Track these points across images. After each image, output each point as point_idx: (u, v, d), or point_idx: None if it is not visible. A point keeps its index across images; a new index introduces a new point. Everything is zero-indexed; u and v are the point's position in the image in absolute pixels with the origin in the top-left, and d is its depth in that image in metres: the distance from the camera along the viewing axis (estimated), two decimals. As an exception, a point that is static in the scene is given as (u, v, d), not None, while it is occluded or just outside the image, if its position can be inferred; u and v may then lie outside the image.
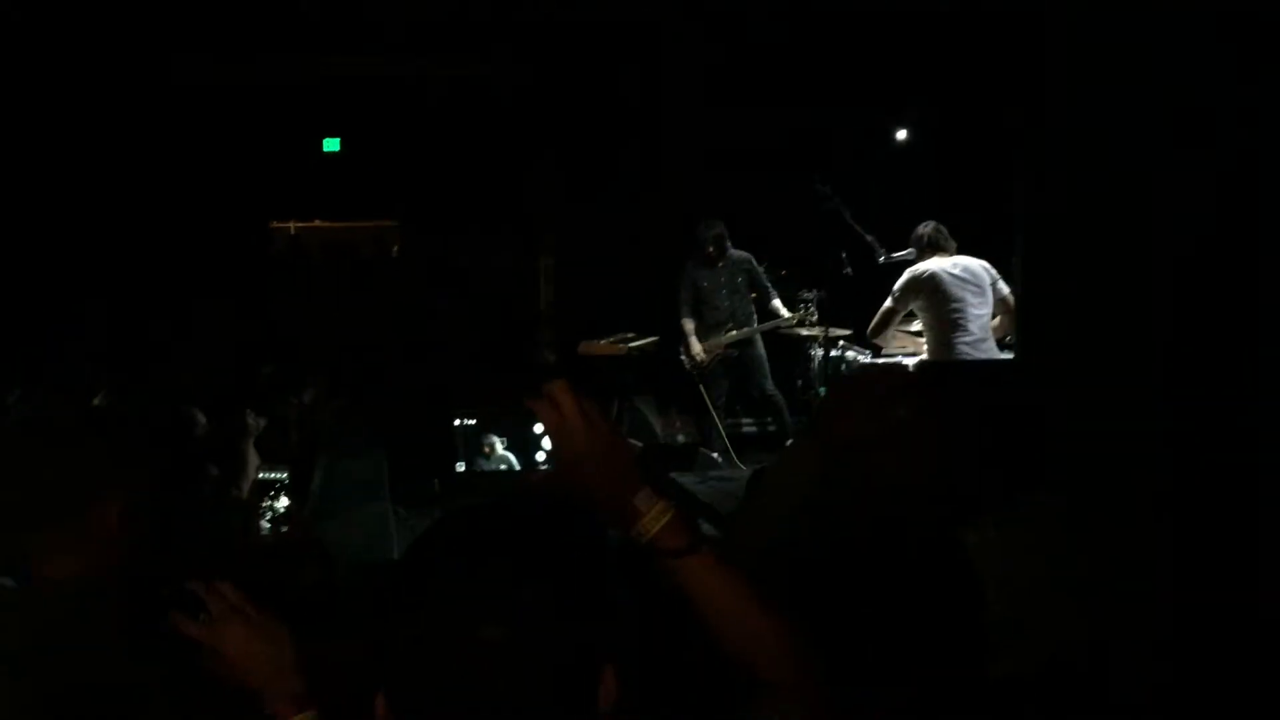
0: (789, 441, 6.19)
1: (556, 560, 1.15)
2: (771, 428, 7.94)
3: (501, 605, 1.07)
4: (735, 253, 7.63)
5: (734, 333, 7.59)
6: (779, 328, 7.52)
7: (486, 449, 3.29)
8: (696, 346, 7.58)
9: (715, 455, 7.50)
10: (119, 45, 9.74)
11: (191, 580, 1.40)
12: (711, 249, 7.52)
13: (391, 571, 1.09)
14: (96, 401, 6.40)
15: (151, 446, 1.67)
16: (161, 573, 1.58)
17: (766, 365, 7.71)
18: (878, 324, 6.04)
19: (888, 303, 5.94)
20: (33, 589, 1.60)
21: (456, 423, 3.13)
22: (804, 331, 7.25)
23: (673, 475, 6.83)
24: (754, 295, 7.68)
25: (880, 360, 6.25)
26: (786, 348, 7.80)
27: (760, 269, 7.69)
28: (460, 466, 3.16)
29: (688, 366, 7.70)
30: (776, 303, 7.59)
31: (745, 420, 8.16)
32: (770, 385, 7.73)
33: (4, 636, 1.51)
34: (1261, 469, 3.07)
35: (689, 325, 7.63)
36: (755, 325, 7.59)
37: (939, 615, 1.76)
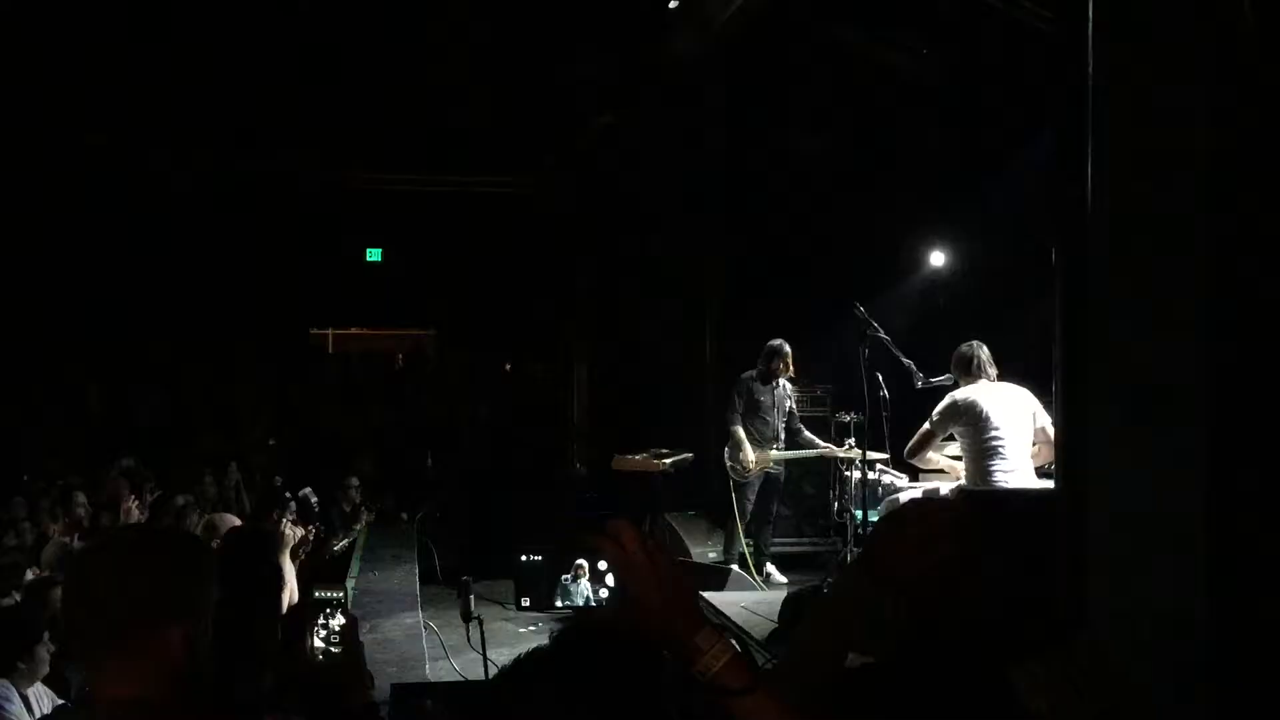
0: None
1: (620, 698, 1.17)
2: (811, 547, 7.97)
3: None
4: (782, 379, 7.76)
5: (783, 451, 7.66)
6: (823, 455, 7.58)
7: (566, 582, 3.31)
8: (751, 455, 7.57)
9: (749, 576, 7.45)
10: (174, 155, 10.07)
11: (270, 711, 1.40)
12: (777, 367, 7.64)
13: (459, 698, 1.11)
14: (134, 507, 6.46)
15: (224, 568, 1.67)
16: (224, 694, 1.58)
17: (780, 489, 7.85)
18: (915, 445, 5.99)
19: (926, 425, 5.89)
20: (94, 709, 1.60)
21: (524, 558, 3.15)
22: (840, 454, 7.25)
23: (704, 595, 6.78)
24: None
25: (927, 492, 6.16)
26: (823, 470, 7.80)
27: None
28: (525, 602, 3.17)
29: (733, 474, 7.67)
30: (809, 434, 7.72)
31: (798, 539, 8.15)
32: (776, 509, 7.86)
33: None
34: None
35: (741, 433, 7.63)
36: (809, 450, 7.68)
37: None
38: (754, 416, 7.68)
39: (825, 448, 7.57)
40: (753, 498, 7.70)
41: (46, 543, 6.65)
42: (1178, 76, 3.44)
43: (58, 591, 4.63)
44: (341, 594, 2.85)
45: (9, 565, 5.89)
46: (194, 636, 1.61)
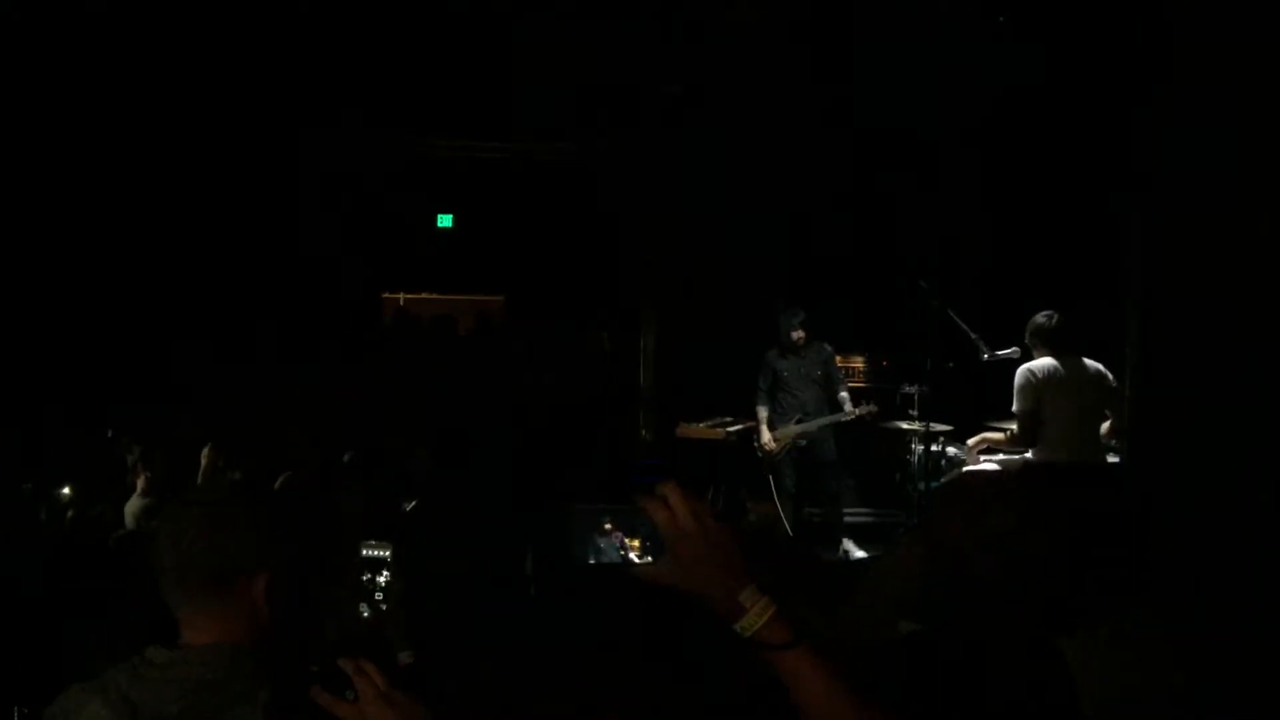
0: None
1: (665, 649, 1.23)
2: (816, 520, 7.91)
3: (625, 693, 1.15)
4: (816, 343, 7.70)
5: (799, 425, 7.60)
6: (839, 420, 7.53)
7: (605, 542, 3.38)
8: (766, 435, 7.65)
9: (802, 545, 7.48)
10: (246, 120, 10.25)
11: (340, 658, 1.47)
12: (794, 337, 7.59)
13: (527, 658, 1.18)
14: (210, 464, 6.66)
15: (302, 521, 1.78)
16: (299, 645, 1.67)
17: (836, 462, 7.70)
18: (1023, 431, 5.78)
19: (1018, 406, 5.74)
20: (180, 653, 1.69)
21: (578, 520, 3.25)
22: (905, 426, 7.21)
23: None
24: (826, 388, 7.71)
25: (986, 464, 6.12)
26: (887, 442, 7.76)
27: (836, 361, 7.76)
28: (590, 560, 3.29)
29: (759, 454, 7.73)
30: (844, 394, 7.61)
31: (864, 510, 8.11)
32: (835, 485, 7.69)
33: (154, 699, 1.61)
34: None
35: (763, 413, 7.71)
36: (822, 418, 7.60)
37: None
38: (780, 391, 7.68)
39: (835, 415, 7.51)
40: (790, 474, 7.67)
41: (127, 496, 6.86)
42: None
43: (142, 543, 4.82)
44: (388, 552, 2.96)
45: (97, 516, 6.13)
46: (275, 587, 1.71)
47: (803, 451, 7.66)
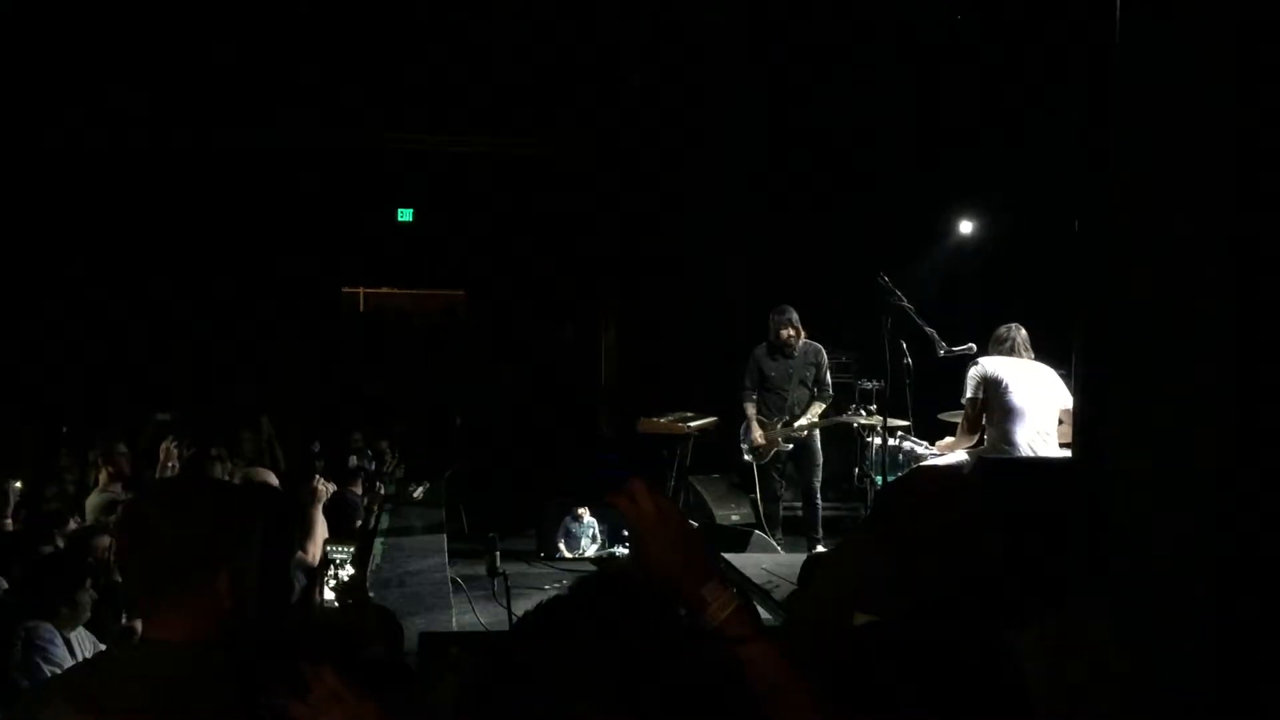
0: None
1: (632, 644, 1.26)
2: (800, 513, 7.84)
3: (588, 685, 1.18)
4: (807, 343, 7.53)
5: (785, 429, 7.50)
6: (830, 424, 7.48)
7: (577, 536, 3.45)
8: (758, 433, 7.45)
9: (770, 538, 7.53)
10: (207, 115, 10.18)
11: (297, 659, 1.47)
12: (784, 336, 7.42)
13: (482, 646, 1.21)
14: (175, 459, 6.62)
15: (264, 513, 1.77)
16: (261, 639, 1.68)
17: (820, 462, 7.61)
18: (971, 423, 5.96)
19: (967, 397, 5.91)
20: (144, 649, 1.70)
21: (546, 514, 3.30)
22: (862, 421, 7.27)
23: (725, 556, 6.88)
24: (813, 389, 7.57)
25: (936, 458, 6.22)
26: (845, 437, 7.82)
27: (827, 364, 7.59)
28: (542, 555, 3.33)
29: (745, 453, 7.60)
30: (818, 404, 7.48)
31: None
32: (817, 484, 7.58)
33: (118, 697, 1.61)
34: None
35: (750, 410, 7.52)
36: (810, 420, 7.49)
37: (986, 714, 1.82)
38: (765, 391, 7.49)
39: (820, 419, 7.42)
40: (778, 478, 7.54)
41: (88, 493, 6.82)
42: (1207, 40, 3.44)
43: (101, 539, 4.79)
44: (351, 548, 2.97)
45: (53, 512, 6.07)
46: (239, 582, 1.71)
47: (791, 453, 7.53)
